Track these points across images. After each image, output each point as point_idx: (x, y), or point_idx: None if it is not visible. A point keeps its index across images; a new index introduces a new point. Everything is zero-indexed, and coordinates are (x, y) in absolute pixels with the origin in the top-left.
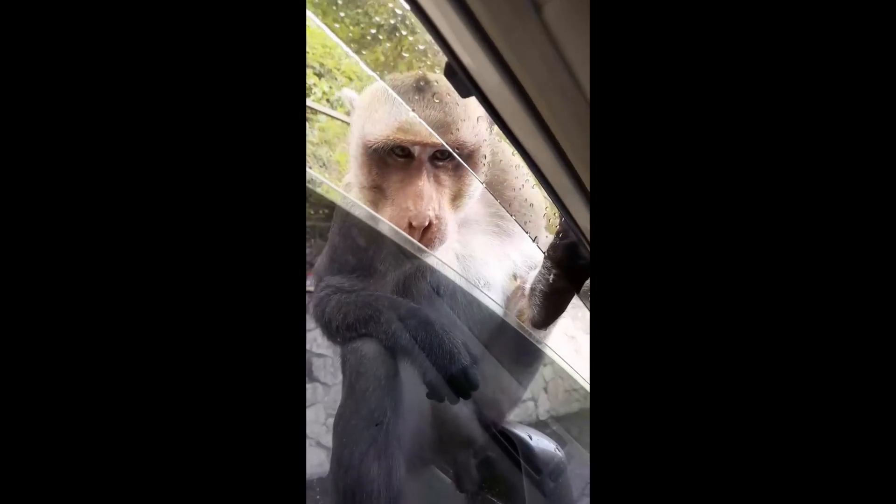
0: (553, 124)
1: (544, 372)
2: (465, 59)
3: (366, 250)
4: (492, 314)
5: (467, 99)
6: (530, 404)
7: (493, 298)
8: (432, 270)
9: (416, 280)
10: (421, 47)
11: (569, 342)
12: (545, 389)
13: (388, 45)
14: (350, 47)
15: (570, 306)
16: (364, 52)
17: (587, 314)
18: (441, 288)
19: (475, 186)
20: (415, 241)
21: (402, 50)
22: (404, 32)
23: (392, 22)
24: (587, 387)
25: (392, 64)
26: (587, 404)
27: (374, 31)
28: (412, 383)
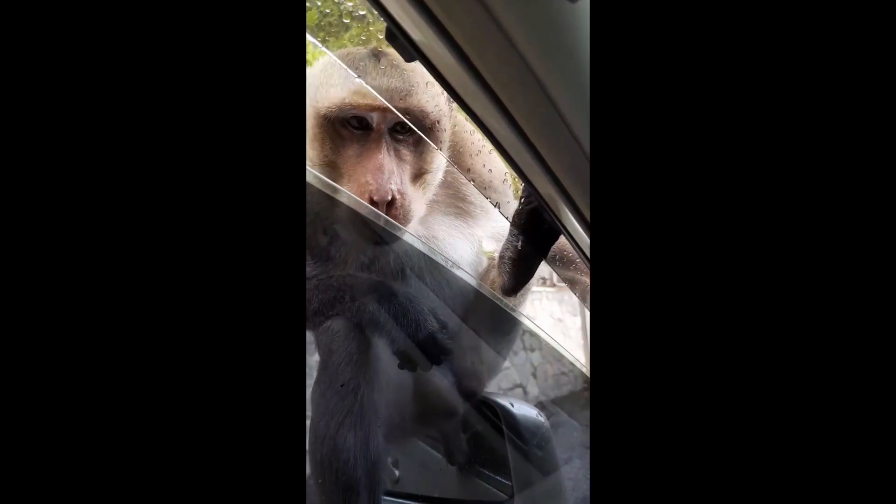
0: (496, 86)
1: (532, 357)
2: (403, 22)
3: (323, 235)
4: (463, 290)
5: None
6: (519, 391)
7: (464, 270)
8: (396, 254)
9: (381, 263)
10: (361, 13)
11: (556, 325)
12: (534, 375)
13: (327, 11)
14: (317, 37)
15: (557, 290)
16: (330, 40)
17: (573, 297)
18: (407, 270)
19: (438, 163)
20: (381, 214)
21: (341, 16)
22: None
23: None
24: (573, 365)
25: (335, 32)
26: (576, 387)
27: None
28: (389, 357)
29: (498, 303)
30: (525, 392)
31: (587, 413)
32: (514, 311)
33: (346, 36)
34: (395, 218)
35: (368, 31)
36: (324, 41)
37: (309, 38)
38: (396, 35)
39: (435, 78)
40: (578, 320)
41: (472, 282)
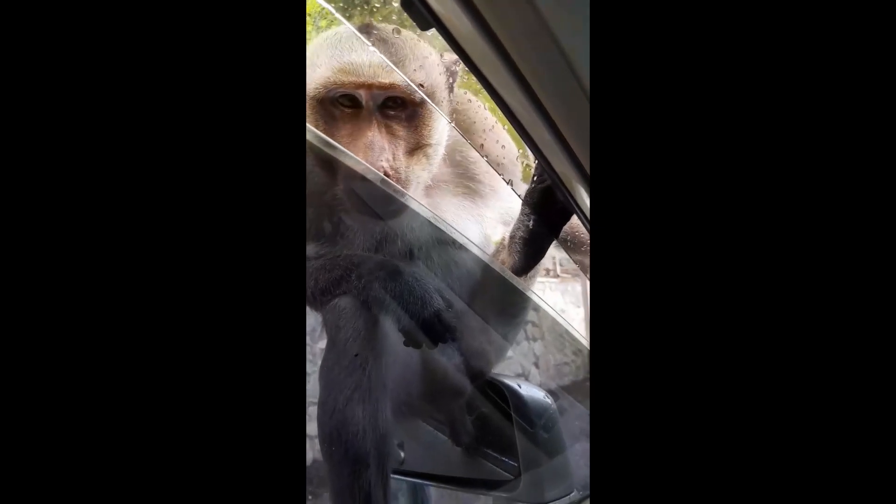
0: (515, 55)
1: (534, 347)
2: None
3: (331, 216)
4: (471, 271)
5: (416, 42)
6: (521, 380)
7: (474, 243)
8: (403, 234)
9: (388, 244)
10: None
11: (558, 316)
12: (536, 364)
13: None
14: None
15: (560, 280)
16: None
17: (577, 288)
18: (414, 250)
19: (437, 137)
20: (388, 181)
21: None
22: None
23: None
24: (575, 355)
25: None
26: (578, 377)
27: None
28: (396, 334)
29: (508, 281)
30: (527, 380)
31: (588, 403)
32: (526, 289)
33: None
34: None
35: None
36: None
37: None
38: (413, 1)
39: (451, 46)
40: (581, 311)
41: (483, 256)
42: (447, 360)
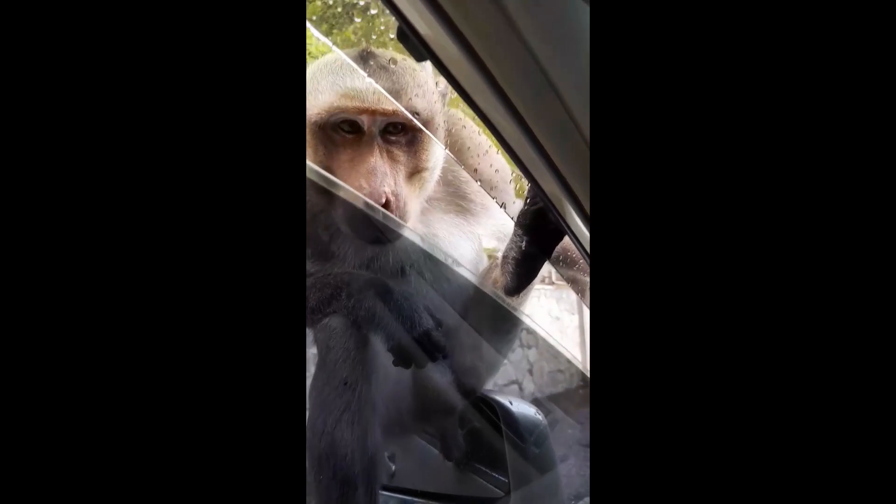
0: (506, 85)
1: (528, 354)
2: (415, 22)
3: (321, 234)
4: (463, 287)
5: (415, 70)
6: (514, 387)
7: (464, 266)
8: (395, 252)
9: (381, 261)
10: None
11: (553, 323)
12: (530, 371)
13: (358, 21)
14: (320, 28)
15: (555, 288)
16: (335, 32)
17: (571, 295)
18: (406, 267)
19: (434, 161)
20: (380, 209)
21: (347, 10)
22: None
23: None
24: (570, 363)
25: (339, 24)
26: (572, 385)
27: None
28: (386, 353)
29: (499, 301)
30: (521, 388)
31: (583, 410)
32: (515, 310)
33: (350, 28)
34: (398, 215)
35: (373, 24)
36: (327, 33)
37: (311, 28)
38: (408, 34)
39: (445, 77)
40: (576, 318)
41: (472, 279)
42: (439, 376)
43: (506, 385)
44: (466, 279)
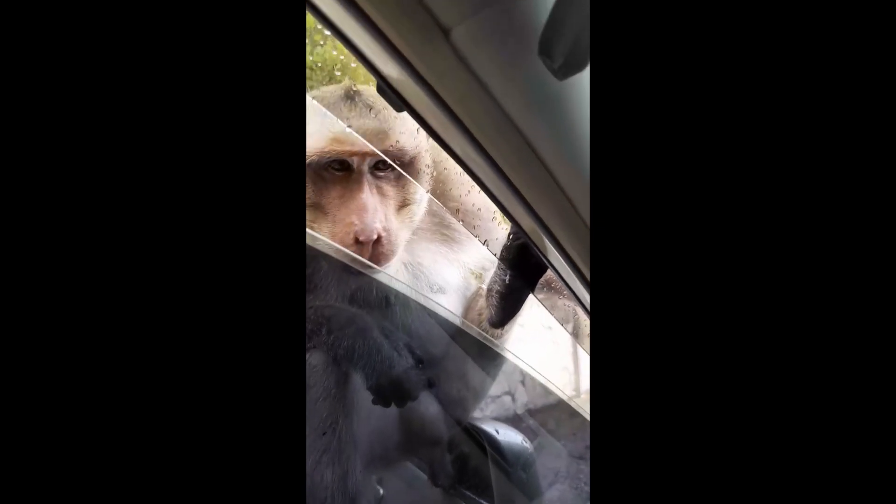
0: (480, 136)
1: (521, 365)
2: (391, 77)
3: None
4: (448, 317)
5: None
6: (507, 398)
7: (445, 305)
8: (378, 283)
9: (364, 292)
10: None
11: (545, 332)
12: (522, 383)
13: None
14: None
15: (546, 297)
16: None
17: (566, 302)
18: (391, 298)
19: (421, 194)
20: (359, 258)
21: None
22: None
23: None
24: (565, 370)
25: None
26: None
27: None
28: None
29: (480, 338)
30: (514, 399)
31: (576, 420)
32: (497, 346)
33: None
34: (381, 253)
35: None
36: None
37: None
38: (386, 90)
39: (422, 127)
40: (570, 326)
41: (453, 318)
42: (424, 408)
43: (498, 396)
44: (452, 307)
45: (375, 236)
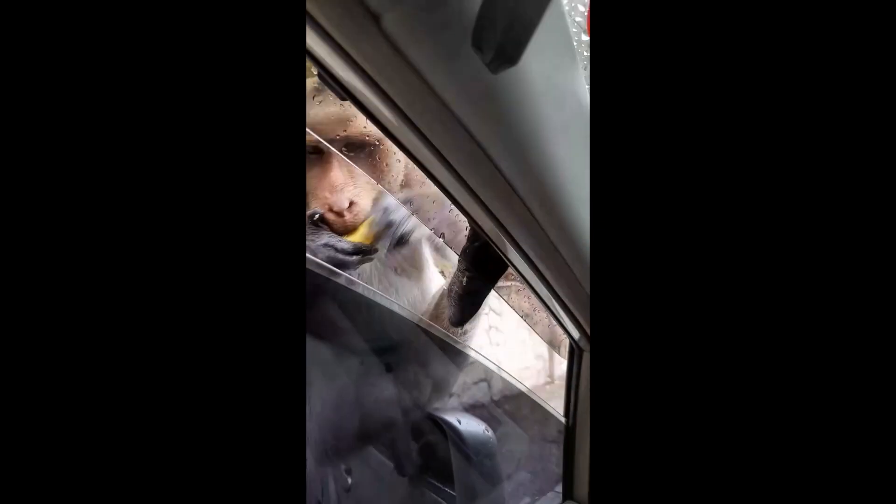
0: (422, 126)
1: (497, 353)
2: (329, 66)
3: None
4: (410, 316)
5: None
6: (483, 385)
7: (401, 305)
8: (335, 291)
9: (317, 301)
10: None
11: (520, 320)
12: (499, 367)
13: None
14: None
15: (521, 289)
16: None
17: (545, 291)
18: (349, 305)
19: (393, 173)
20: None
21: None
22: None
23: None
24: (540, 357)
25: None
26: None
27: None
28: (321, 381)
29: (442, 336)
30: (490, 386)
31: (544, 410)
32: (460, 343)
33: None
34: (355, 219)
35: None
36: None
37: None
38: (325, 78)
39: (368, 118)
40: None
41: (410, 315)
42: (379, 392)
43: (475, 383)
44: (416, 291)
45: (347, 204)
